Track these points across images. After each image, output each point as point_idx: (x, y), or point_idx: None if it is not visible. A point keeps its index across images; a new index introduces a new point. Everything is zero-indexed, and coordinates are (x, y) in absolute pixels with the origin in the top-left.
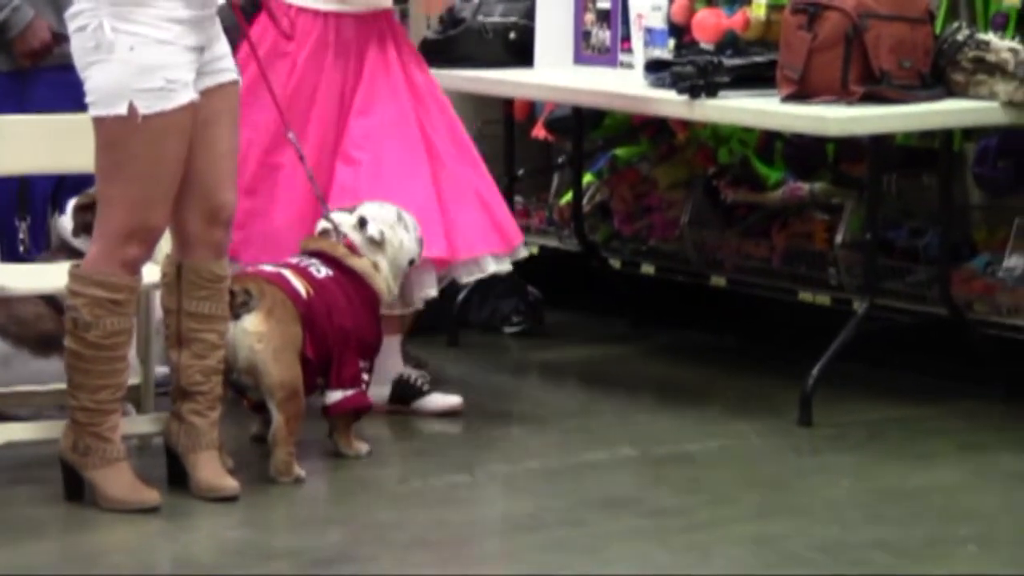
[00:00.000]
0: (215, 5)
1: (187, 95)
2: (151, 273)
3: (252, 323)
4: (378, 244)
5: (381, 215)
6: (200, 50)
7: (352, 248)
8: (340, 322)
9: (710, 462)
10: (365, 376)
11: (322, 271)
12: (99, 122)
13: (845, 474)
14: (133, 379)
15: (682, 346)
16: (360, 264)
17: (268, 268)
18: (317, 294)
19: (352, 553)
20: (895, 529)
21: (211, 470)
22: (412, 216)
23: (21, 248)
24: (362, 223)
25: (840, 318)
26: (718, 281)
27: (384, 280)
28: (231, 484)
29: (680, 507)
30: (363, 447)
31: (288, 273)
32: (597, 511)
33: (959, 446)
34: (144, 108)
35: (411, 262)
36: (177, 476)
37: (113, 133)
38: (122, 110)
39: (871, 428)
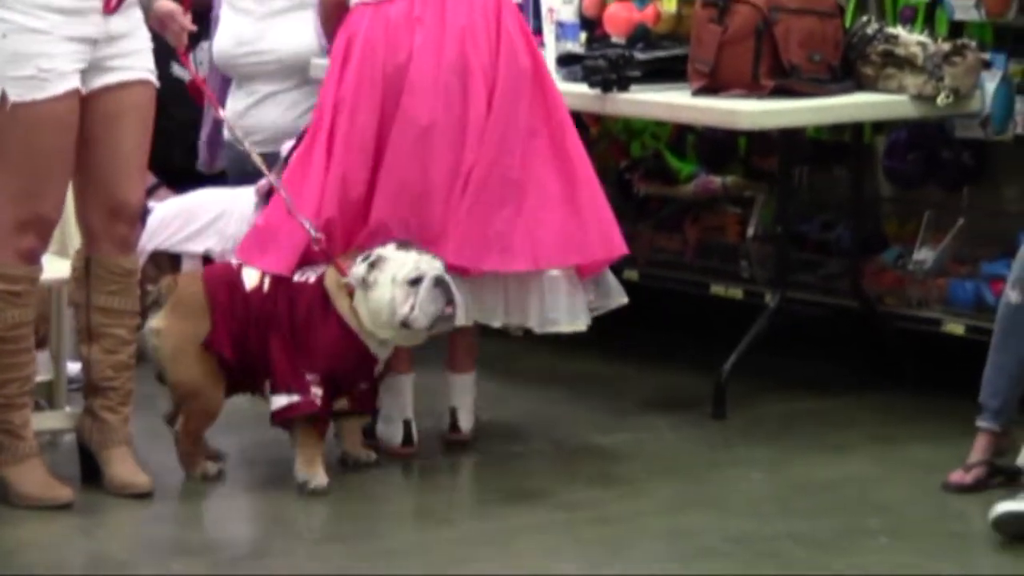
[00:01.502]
0: None
1: (63, 85)
2: (62, 268)
3: (155, 320)
4: (357, 286)
5: (402, 273)
6: (92, 43)
7: (342, 270)
8: (291, 325)
9: (623, 455)
10: (315, 389)
11: (308, 276)
12: None
13: (758, 466)
14: (45, 375)
15: (595, 339)
16: (329, 282)
17: (235, 261)
18: (273, 290)
19: (265, 548)
20: (807, 521)
21: (124, 466)
22: (448, 292)
23: None
24: (367, 262)
25: (752, 311)
26: (630, 275)
27: (350, 310)
28: (144, 480)
29: (593, 500)
30: (371, 455)
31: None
32: (508, 504)
33: (870, 438)
34: (16, 96)
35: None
36: (90, 472)
37: None
38: None
39: (783, 420)
